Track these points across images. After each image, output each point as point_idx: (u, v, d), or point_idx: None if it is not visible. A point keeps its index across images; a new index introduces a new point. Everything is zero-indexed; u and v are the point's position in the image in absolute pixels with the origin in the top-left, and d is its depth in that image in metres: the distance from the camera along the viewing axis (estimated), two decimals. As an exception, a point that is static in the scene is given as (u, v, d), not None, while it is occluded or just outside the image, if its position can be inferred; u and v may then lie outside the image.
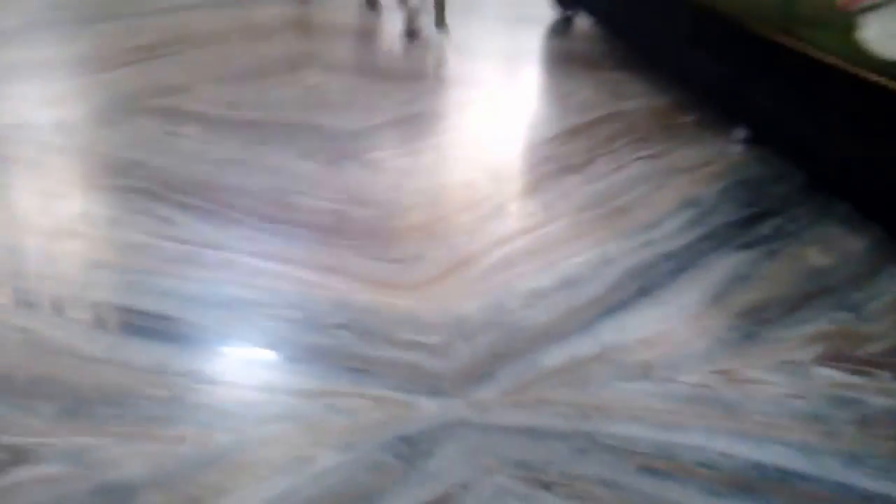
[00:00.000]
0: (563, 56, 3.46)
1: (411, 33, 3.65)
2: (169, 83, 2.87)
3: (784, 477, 1.36)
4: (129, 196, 2.13)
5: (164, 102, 2.71)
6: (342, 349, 1.62)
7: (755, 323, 1.75)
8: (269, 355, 1.60)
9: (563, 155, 2.48)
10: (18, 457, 1.35)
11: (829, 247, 2.04)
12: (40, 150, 2.36)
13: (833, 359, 1.65)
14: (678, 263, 1.96)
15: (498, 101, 2.95)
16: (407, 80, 3.09)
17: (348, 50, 3.40)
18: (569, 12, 3.88)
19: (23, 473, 1.32)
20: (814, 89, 2.22)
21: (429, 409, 1.48)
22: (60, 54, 3.14)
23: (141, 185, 2.18)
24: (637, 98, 2.96)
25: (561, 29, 3.82)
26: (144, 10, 3.69)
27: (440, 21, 3.73)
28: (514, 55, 3.54)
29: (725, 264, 1.96)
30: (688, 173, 2.39)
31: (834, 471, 1.38)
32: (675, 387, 1.55)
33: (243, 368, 1.57)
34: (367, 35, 3.63)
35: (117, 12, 3.63)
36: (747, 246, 2.03)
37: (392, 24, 3.77)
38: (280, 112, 2.69)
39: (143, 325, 1.66)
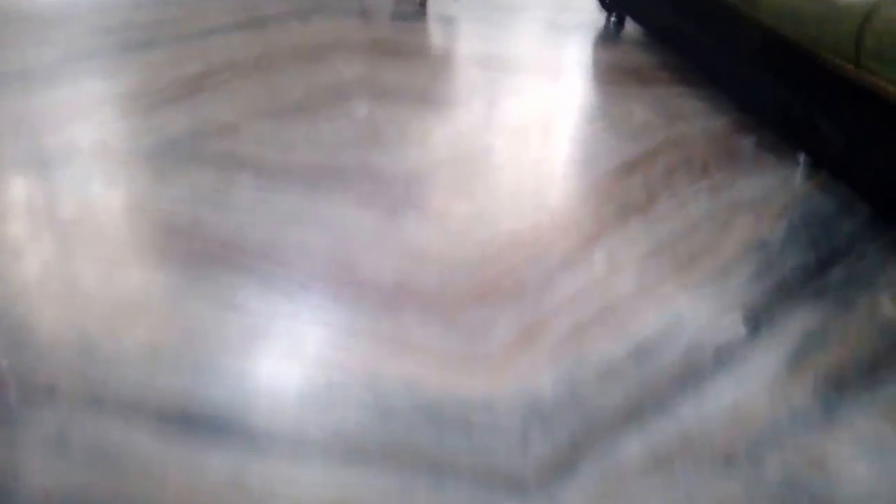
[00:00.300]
0: (614, 69, 3.39)
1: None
2: (219, 121, 2.84)
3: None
4: (188, 261, 2.11)
5: (215, 146, 2.67)
6: (416, 443, 1.60)
7: (834, 390, 1.72)
8: (344, 454, 1.57)
9: (622, 192, 2.44)
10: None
11: (901, 293, 2.01)
12: (94, 210, 2.34)
13: (919, 434, 1.62)
14: (749, 322, 1.92)
15: (551, 128, 2.90)
16: (455, 106, 3.04)
17: (394, 72, 3.34)
18: (614, 17, 3.82)
19: None
20: (882, 122, 2.17)
21: (512, 513, 1.46)
22: (105, 90, 3.10)
23: (200, 247, 2.16)
24: (693, 119, 2.90)
25: (609, 36, 3.75)
26: (186, 34, 3.65)
27: None
28: (562, 69, 3.48)
29: (798, 319, 1.93)
30: (751, 209, 2.35)
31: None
32: (761, 478, 1.52)
33: (319, 474, 1.54)
34: (410, 52, 3.57)
35: (159, 39, 3.58)
36: (818, 295, 2.00)
37: (434, 38, 3.72)
38: (334, 152, 2.65)
39: (214, 424, 1.63)
